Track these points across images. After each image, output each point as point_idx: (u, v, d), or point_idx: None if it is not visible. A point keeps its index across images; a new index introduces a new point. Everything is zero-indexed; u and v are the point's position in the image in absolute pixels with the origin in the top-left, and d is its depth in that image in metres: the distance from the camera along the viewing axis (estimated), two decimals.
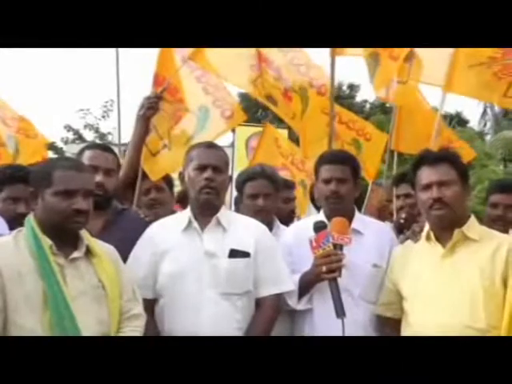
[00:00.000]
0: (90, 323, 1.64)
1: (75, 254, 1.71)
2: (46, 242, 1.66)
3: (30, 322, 1.58)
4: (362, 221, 2.24)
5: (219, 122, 2.95)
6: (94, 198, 2.15)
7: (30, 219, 1.72)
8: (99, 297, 1.71)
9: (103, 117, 15.06)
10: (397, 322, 2.02)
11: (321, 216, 2.23)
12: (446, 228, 1.93)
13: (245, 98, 17.59)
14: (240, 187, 2.52)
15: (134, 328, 1.78)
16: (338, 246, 2.07)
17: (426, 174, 1.94)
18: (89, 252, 1.75)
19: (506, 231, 2.19)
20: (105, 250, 1.82)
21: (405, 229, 2.53)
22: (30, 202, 1.74)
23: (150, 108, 2.82)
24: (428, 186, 1.92)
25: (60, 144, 15.69)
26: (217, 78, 3.03)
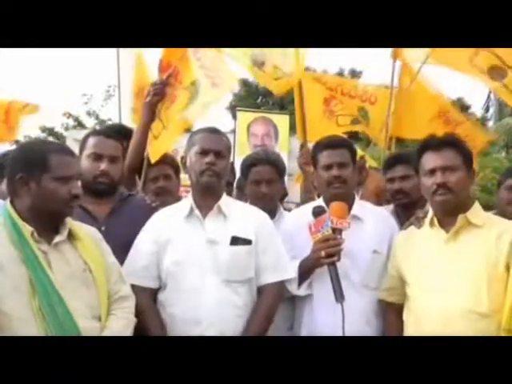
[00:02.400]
0: (80, 307, 1.63)
1: (58, 239, 1.68)
2: (27, 228, 1.63)
3: (18, 311, 1.55)
4: (361, 207, 2.24)
5: (208, 92, 2.86)
6: (100, 186, 2.14)
7: (7, 207, 1.67)
8: (87, 280, 1.69)
9: (105, 101, 14.96)
10: (399, 307, 2.03)
11: (320, 202, 2.22)
12: (450, 213, 1.92)
13: (246, 84, 17.49)
14: (244, 172, 2.52)
15: (124, 309, 1.77)
16: (337, 231, 2.06)
17: (431, 159, 1.92)
18: (71, 235, 1.72)
19: None
20: (87, 232, 1.79)
21: (405, 213, 2.50)
22: (17, 187, 1.66)
23: (156, 94, 2.79)
24: (432, 171, 1.91)
25: (60, 130, 15.63)
26: (214, 51, 2.95)
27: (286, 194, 3.16)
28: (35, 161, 1.66)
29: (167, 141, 2.86)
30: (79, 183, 1.72)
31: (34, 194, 1.65)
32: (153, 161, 2.75)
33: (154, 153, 2.77)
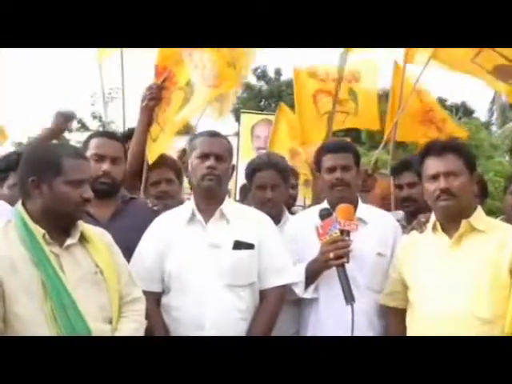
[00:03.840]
0: (92, 310, 1.63)
1: (69, 241, 1.68)
2: (39, 231, 1.63)
3: (29, 313, 1.56)
4: (366, 210, 2.25)
5: (203, 92, 2.84)
6: (102, 187, 2.15)
7: (19, 209, 1.67)
8: (98, 283, 1.69)
9: (107, 102, 14.97)
10: (401, 312, 2.02)
11: (325, 205, 2.22)
12: (453, 218, 1.92)
13: (248, 87, 17.50)
14: (248, 177, 2.51)
15: (135, 312, 1.77)
16: (345, 232, 2.07)
17: (433, 165, 1.92)
18: (82, 238, 1.72)
19: None
20: (98, 233, 1.79)
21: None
22: (29, 190, 1.66)
23: (152, 99, 2.80)
24: (435, 177, 1.90)
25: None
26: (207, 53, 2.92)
27: (295, 200, 3.14)
28: (48, 164, 1.66)
29: (165, 143, 2.85)
30: (89, 187, 1.72)
31: (46, 197, 1.65)
32: (150, 162, 2.75)
33: (152, 155, 2.77)
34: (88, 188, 1.70)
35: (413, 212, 2.57)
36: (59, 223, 1.68)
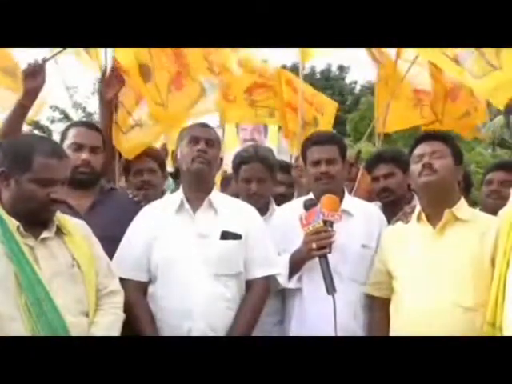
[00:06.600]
0: (68, 303, 1.60)
1: (45, 234, 1.64)
2: (13, 223, 1.59)
3: (5, 308, 1.51)
4: (351, 202, 2.26)
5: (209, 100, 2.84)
6: (81, 177, 2.12)
7: None
8: (75, 276, 1.66)
9: (92, 94, 14.84)
10: (385, 301, 2.05)
11: (311, 196, 2.23)
12: (436, 202, 1.95)
13: None
14: (235, 169, 2.51)
15: (113, 305, 1.75)
16: (329, 223, 2.08)
17: (421, 149, 1.98)
18: (59, 230, 1.69)
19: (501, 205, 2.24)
20: (75, 225, 1.76)
21: (392, 210, 2.53)
22: None
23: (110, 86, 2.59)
24: (420, 156, 1.96)
25: (46, 123, 15.48)
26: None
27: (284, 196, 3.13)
28: (19, 158, 1.62)
29: (144, 136, 2.75)
30: (64, 186, 1.66)
31: (12, 191, 1.62)
32: (130, 158, 2.68)
33: (128, 149, 2.69)
34: (59, 189, 1.64)
35: (391, 202, 2.62)
36: (28, 218, 1.63)
